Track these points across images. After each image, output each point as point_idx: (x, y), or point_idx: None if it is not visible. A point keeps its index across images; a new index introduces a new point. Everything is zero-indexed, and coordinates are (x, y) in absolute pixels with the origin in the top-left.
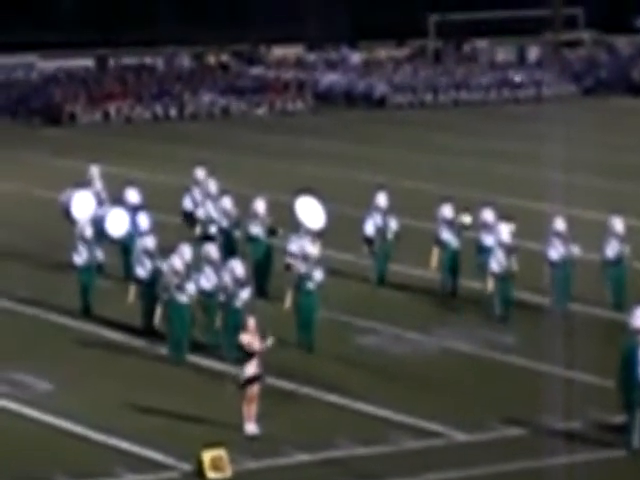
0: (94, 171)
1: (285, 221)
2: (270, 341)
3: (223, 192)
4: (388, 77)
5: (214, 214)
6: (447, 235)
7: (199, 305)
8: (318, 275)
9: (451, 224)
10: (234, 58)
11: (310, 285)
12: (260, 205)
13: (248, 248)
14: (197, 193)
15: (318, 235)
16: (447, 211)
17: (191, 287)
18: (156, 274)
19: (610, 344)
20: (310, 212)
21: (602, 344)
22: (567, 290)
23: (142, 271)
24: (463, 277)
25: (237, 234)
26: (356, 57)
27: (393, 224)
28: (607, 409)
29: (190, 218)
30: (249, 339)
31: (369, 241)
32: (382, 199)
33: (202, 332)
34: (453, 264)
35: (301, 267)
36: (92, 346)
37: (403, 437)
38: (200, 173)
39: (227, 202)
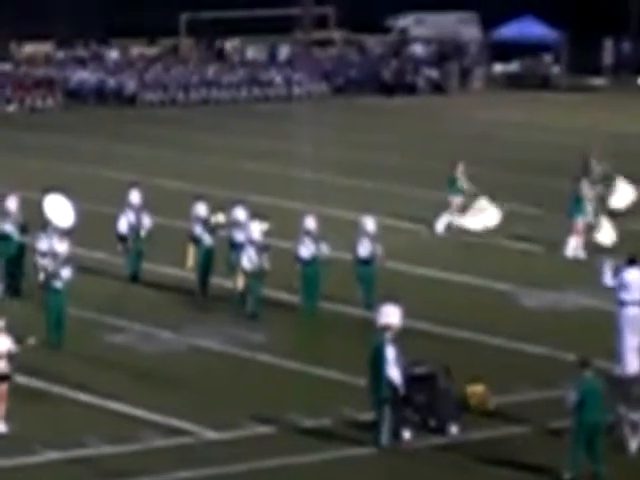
0: None
1: (37, 219)
2: (32, 340)
3: None
4: (139, 75)
5: None
6: (201, 233)
7: None
8: (66, 273)
9: (205, 222)
10: None
11: (58, 284)
12: (12, 203)
13: (0, 246)
14: None
15: (67, 233)
16: (201, 209)
17: None
18: None
19: (361, 342)
20: (59, 210)
21: (353, 342)
22: (317, 288)
23: None
24: (214, 275)
25: None
26: (114, 53)
27: (147, 221)
28: (357, 407)
29: None
30: None
31: (123, 238)
32: (135, 196)
33: None
34: (206, 262)
35: (49, 265)
36: None
37: (153, 435)
38: None
39: None
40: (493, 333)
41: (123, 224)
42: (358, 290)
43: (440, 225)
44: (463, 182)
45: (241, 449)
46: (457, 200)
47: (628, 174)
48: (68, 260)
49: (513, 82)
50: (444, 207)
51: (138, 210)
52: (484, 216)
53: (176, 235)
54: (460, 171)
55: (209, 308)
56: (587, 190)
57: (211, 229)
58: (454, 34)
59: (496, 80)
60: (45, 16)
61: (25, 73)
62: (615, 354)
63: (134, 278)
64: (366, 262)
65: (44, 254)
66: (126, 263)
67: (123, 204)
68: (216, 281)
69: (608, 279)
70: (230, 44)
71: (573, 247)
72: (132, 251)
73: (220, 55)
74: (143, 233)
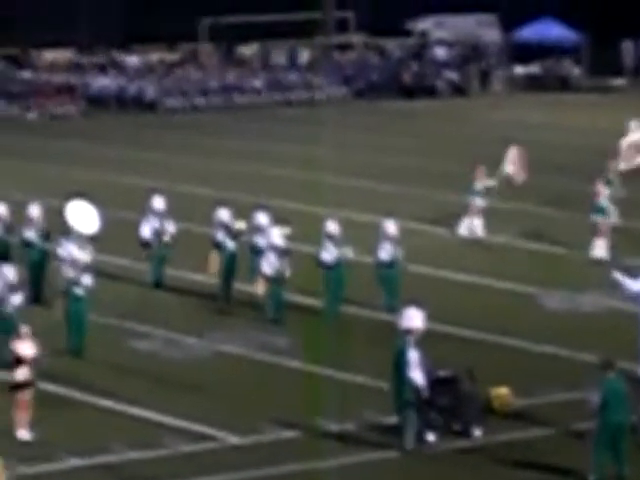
0: None
1: (59, 226)
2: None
3: None
4: (159, 80)
5: None
6: (223, 238)
7: None
8: (87, 280)
9: (227, 228)
10: (4, 62)
11: (79, 290)
12: (34, 210)
13: (23, 253)
14: None
15: (91, 239)
16: (223, 215)
17: None
18: None
19: (383, 346)
20: (82, 216)
21: (376, 346)
22: (340, 292)
23: None
24: (237, 280)
25: (11, 240)
26: (134, 59)
27: (170, 227)
28: (381, 410)
29: None
30: (21, 346)
31: (146, 245)
32: (158, 202)
33: None
34: (229, 268)
35: (69, 272)
36: None
37: (177, 441)
38: None
39: (0, 207)
40: (516, 335)
41: (146, 230)
42: (381, 293)
43: (462, 228)
44: (483, 184)
45: (265, 454)
46: (477, 203)
47: None
48: (89, 267)
49: (533, 84)
50: (466, 210)
51: (161, 216)
52: None
53: (199, 241)
54: (480, 174)
55: (232, 313)
56: (602, 190)
57: (233, 234)
58: (474, 36)
59: (516, 82)
60: (65, 23)
61: (46, 80)
62: (639, 355)
63: (157, 284)
64: (388, 265)
65: (66, 261)
66: (149, 269)
67: (145, 210)
68: (239, 286)
69: (632, 285)
70: (241, 48)
71: (598, 248)
72: (155, 257)
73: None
74: (166, 239)
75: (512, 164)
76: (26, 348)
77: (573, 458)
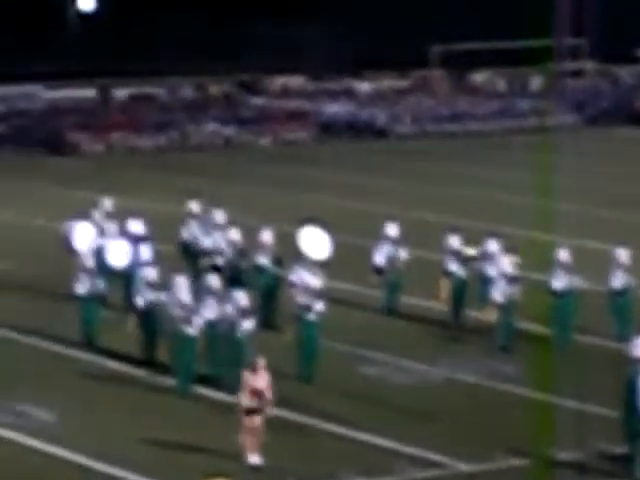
0: (106, 203)
1: (291, 251)
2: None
3: (229, 223)
4: (391, 107)
5: (221, 245)
6: (454, 266)
7: (202, 336)
8: (319, 306)
9: (458, 255)
10: (237, 88)
11: (311, 316)
12: (266, 235)
13: (255, 279)
14: (194, 225)
15: (323, 265)
16: (454, 242)
17: (198, 320)
18: (157, 305)
19: (615, 374)
20: (315, 242)
21: (607, 374)
22: (571, 321)
23: (142, 301)
24: (468, 307)
25: (244, 265)
26: (365, 86)
27: (403, 254)
28: (612, 439)
29: (186, 250)
30: (254, 378)
31: (379, 271)
32: (392, 229)
33: (205, 362)
34: (459, 295)
35: (301, 298)
36: (95, 377)
37: (406, 467)
38: (194, 205)
39: (234, 233)
40: None
41: (379, 257)
42: (613, 322)
43: None
44: None
45: None
46: None
47: None
48: (321, 293)
49: None
50: None
51: (394, 243)
52: None
53: (430, 268)
54: None
55: (463, 340)
56: None
57: (464, 261)
58: None
59: None
60: (297, 49)
61: (278, 106)
62: None
63: (390, 311)
64: (621, 294)
65: (298, 287)
66: (383, 296)
67: (377, 237)
68: (469, 313)
69: None
70: (472, 75)
71: None
72: (388, 284)
73: (465, 86)
74: (399, 266)
75: None
76: (260, 381)
77: None
